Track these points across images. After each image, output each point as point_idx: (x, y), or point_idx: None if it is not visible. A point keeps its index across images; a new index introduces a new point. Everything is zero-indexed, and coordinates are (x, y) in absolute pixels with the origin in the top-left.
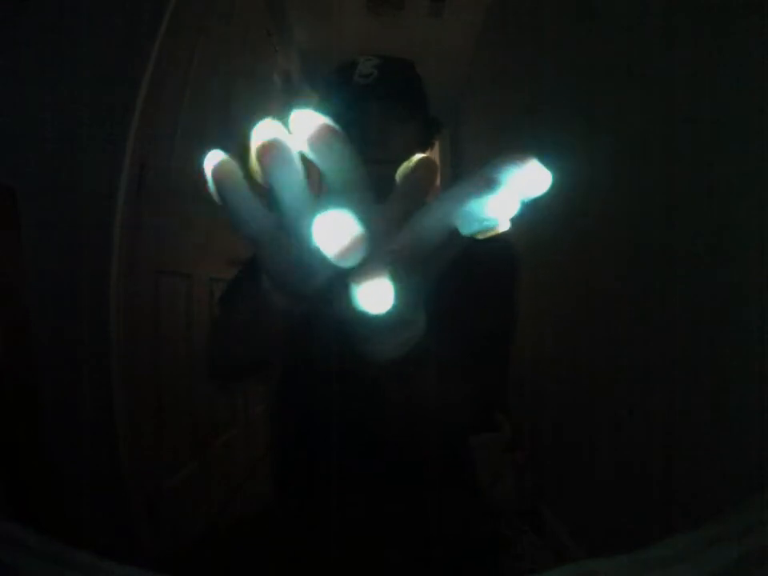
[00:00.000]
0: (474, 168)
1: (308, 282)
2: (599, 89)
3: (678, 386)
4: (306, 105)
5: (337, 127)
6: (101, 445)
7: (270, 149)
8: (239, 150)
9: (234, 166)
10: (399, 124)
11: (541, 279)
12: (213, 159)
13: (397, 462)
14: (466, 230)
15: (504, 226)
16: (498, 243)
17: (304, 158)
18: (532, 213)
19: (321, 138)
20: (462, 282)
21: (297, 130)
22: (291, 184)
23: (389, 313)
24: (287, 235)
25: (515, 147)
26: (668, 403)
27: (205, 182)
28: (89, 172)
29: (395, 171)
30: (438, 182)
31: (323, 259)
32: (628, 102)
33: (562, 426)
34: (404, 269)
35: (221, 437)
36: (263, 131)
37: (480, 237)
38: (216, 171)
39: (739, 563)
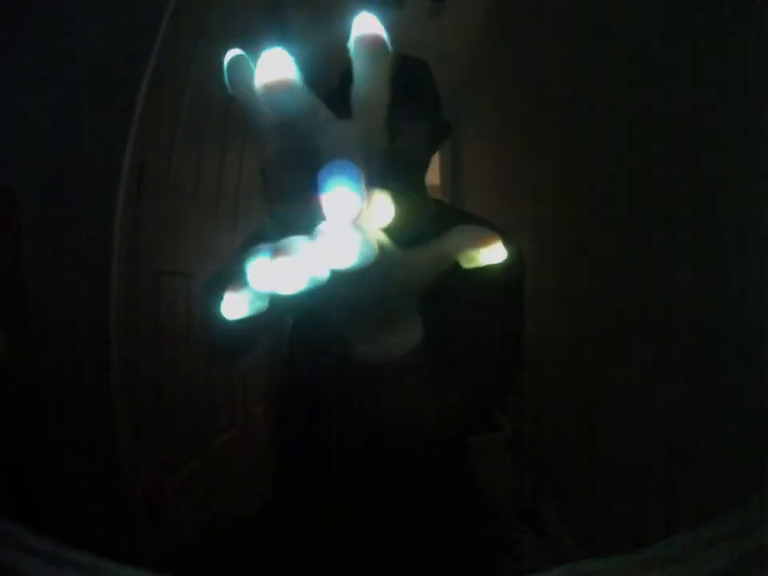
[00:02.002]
0: (472, 170)
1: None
2: (599, 87)
3: (678, 387)
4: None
5: (295, 80)
6: (101, 445)
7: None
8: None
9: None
10: (407, 122)
11: (541, 281)
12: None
13: (396, 462)
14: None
15: (498, 255)
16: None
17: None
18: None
19: (275, 89)
20: (468, 284)
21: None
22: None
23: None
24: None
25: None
26: (668, 403)
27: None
28: (89, 172)
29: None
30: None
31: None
32: (628, 100)
33: (562, 426)
34: None
35: (221, 437)
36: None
37: (465, 265)
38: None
39: (739, 563)
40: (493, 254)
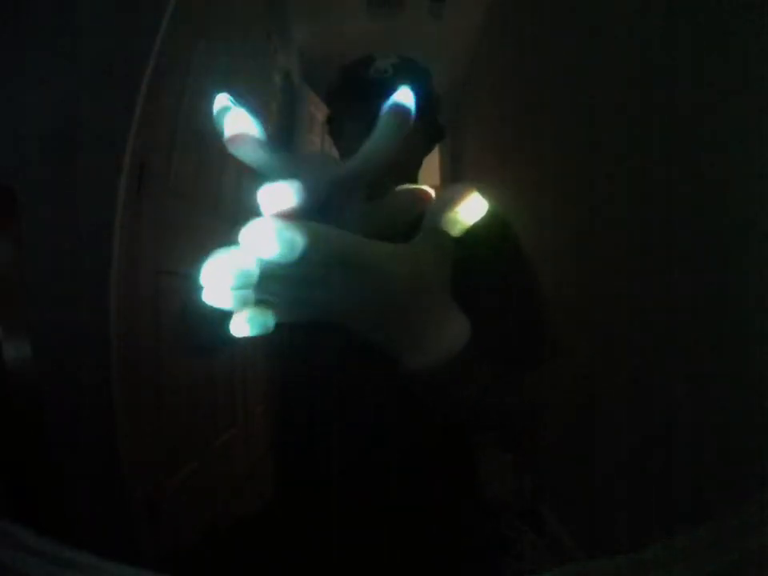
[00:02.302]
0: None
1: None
2: (600, 88)
3: (678, 386)
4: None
5: (254, 134)
6: (101, 445)
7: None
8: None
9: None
10: None
11: (540, 281)
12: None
13: (398, 462)
14: None
15: (478, 206)
16: (489, 232)
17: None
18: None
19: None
20: (476, 268)
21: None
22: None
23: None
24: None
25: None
26: (668, 403)
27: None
28: (89, 172)
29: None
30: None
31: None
32: (628, 100)
33: (562, 426)
34: None
35: (221, 437)
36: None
37: (453, 232)
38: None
39: (739, 563)
40: (472, 206)
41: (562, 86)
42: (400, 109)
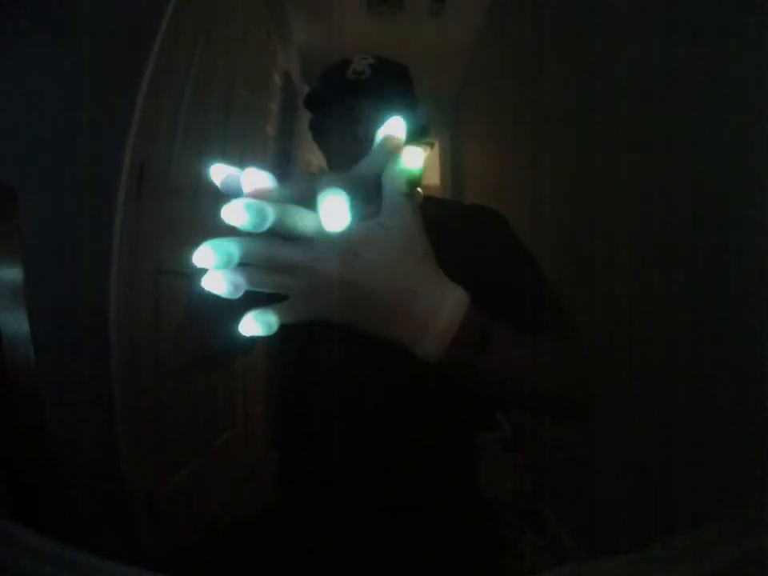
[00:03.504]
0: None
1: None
2: (599, 87)
3: (678, 387)
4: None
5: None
6: (101, 445)
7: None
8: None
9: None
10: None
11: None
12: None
13: (400, 462)
14: None
15: (415, 155)
16: (480, 217)
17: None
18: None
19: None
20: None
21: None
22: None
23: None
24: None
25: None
26: (668, 403)
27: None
28: (89, 172)
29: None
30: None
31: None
32: (628, 100)
33: (562, 426)
34: None
35: (221, 437)
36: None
37: (409, 185)
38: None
39: (739, 563)
40: (409, 155)
41: (562, 86)
42: (392, 141)
